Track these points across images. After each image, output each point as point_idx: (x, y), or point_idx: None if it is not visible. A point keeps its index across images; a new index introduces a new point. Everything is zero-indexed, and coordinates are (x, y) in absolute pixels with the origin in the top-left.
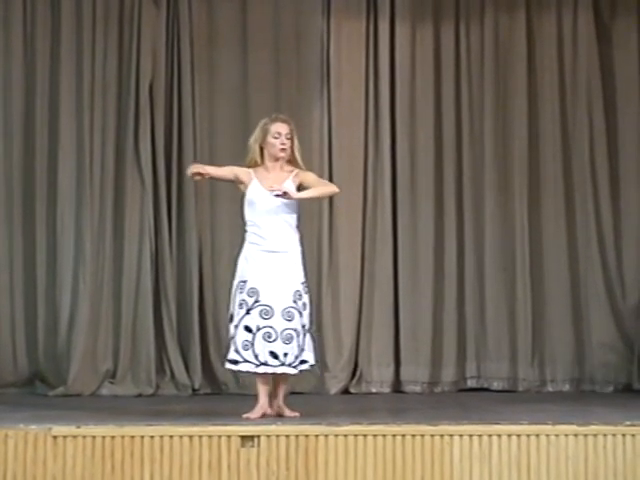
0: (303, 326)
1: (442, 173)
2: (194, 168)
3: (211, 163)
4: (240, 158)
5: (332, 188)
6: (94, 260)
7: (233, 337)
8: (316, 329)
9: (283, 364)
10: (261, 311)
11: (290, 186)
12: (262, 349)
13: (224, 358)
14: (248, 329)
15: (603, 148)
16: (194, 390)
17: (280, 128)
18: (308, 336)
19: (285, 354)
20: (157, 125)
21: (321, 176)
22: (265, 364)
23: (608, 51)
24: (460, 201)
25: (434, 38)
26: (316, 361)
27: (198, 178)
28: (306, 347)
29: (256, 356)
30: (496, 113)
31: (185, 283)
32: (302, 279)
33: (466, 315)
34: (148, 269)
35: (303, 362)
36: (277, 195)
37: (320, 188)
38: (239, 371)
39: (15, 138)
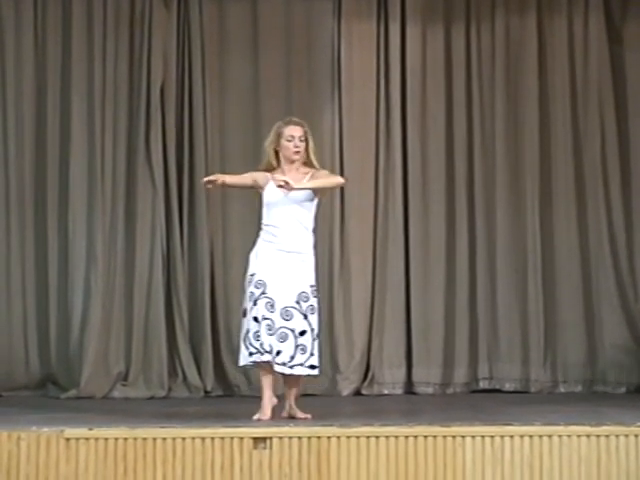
0: (312, 330)
1: (453, 175)
2: (211, 177)
3: (222, 165)
4: (251, 160)
5: (337, 179)
6: (106, 262)
7: (247, 331)
8: (327, 331)
9: (274, 360)
10: (267, 303)
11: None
12: (266, 339)
13: (238, 356)
14: (256, 319)
15: (614, 149)
16: (206, 392)
17: (293, 131)
18: (317, 342)
19: (278, 352)
20: (168, 128)
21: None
22: (269, 352)
23: (619, 53)
24: (471, 203)
25: (445, 40)
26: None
27: (209, 186)
28: (315, 352)
29: (262, 344)
30: (507, 115)
31: (197, 285)
32: (312, 282)
33: (478, 316)
34: (160, 271)
35: (312, 367)
36: (279, 186)
37: (323, 179)
38: (254, 362)
39: (27, 141)
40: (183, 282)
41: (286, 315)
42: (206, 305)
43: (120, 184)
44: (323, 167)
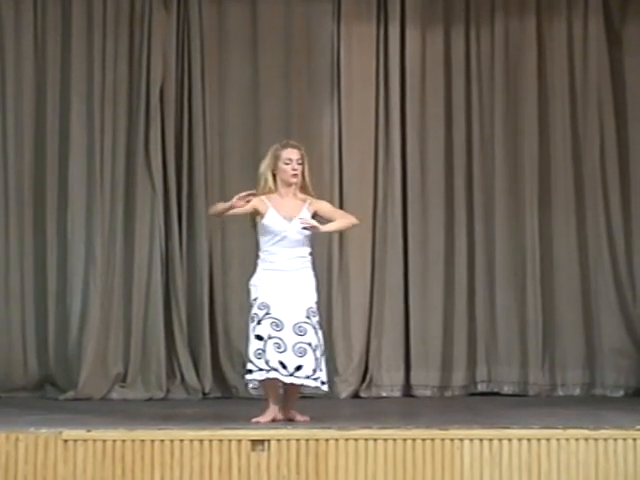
0: (323, 344)
1: (452, 178)
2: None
3: (221, 166)
4: (250, 161)
5: (352, 220)
6: (104, 264)
7: (247, 353)
8: (326, 334)
9: (291, 375)
10: (272, 323)
11: (306, 216)
12: (273, 357)
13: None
14: (259, 337)
15: (614, 153)
16: (204, 394)
17: (291, 154)
18: (324, 357)
19: (299, 367)
20: (167, 129)
21: (332, 182)
22: (275, 370)
23: (618, 55)
24: (470, 206)
25: (444, 42)
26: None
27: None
28: (323, 367)
29: (267, 362)
30: (506, 118)
31: (195, 287)
32: (315, 299)
33: (476, 319)
34: (158, 273)
35: (322, 383)
36: (304, 228)
37: (343, 221)
38: (253, 380)
39: (26, 142)
40: (182, 283)
41: (299, 331)
42: (205, 306)
43: (119, 185)
44: (322, 171)
